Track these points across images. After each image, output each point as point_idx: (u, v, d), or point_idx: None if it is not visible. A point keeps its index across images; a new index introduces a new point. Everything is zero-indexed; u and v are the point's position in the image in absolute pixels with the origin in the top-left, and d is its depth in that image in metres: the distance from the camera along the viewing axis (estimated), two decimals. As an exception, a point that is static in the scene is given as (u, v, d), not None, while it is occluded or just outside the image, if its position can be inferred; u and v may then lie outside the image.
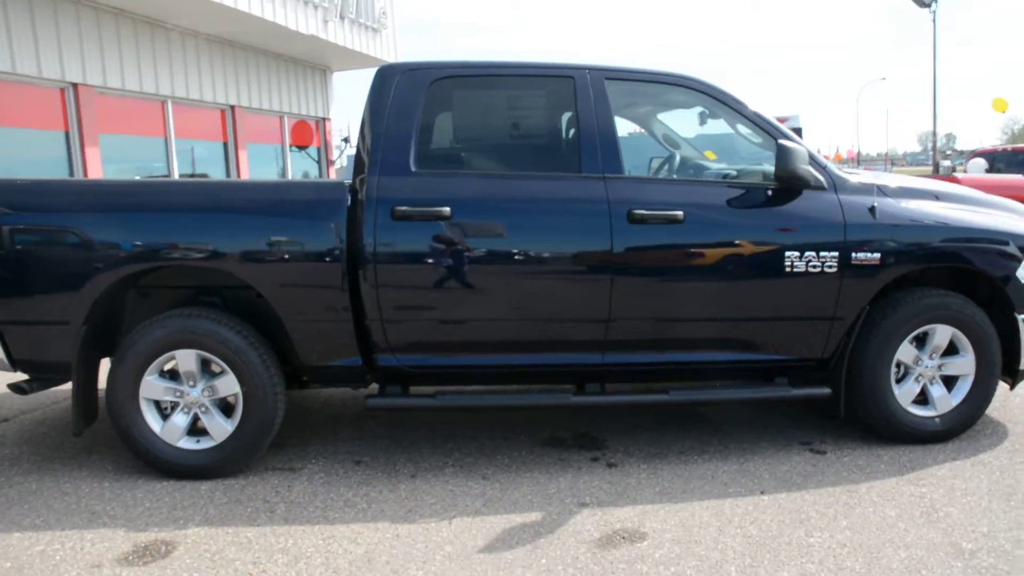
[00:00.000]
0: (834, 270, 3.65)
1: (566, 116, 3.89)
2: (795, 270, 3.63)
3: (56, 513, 3.24)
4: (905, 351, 3.81)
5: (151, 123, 11.33)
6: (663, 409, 4.42)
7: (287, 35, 12.64)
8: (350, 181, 3.65)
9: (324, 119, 16.55)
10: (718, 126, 4.16)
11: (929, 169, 35.56)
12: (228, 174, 13.05)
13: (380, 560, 2.82)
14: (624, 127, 4.69)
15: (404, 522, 3.12)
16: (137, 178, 10.39)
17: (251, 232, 3.50)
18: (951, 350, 3.88)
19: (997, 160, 13.91)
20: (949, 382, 3.91)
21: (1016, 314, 3.85)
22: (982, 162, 13.08)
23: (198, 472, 3.54)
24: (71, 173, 9.57)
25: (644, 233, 3.60)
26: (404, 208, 3.49)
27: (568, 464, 3.71)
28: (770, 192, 3.72)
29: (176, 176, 11.54)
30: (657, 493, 3.36)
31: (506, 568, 2.75)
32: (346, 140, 20.89)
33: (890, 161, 69.88)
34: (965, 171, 14.32)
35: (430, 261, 3.54)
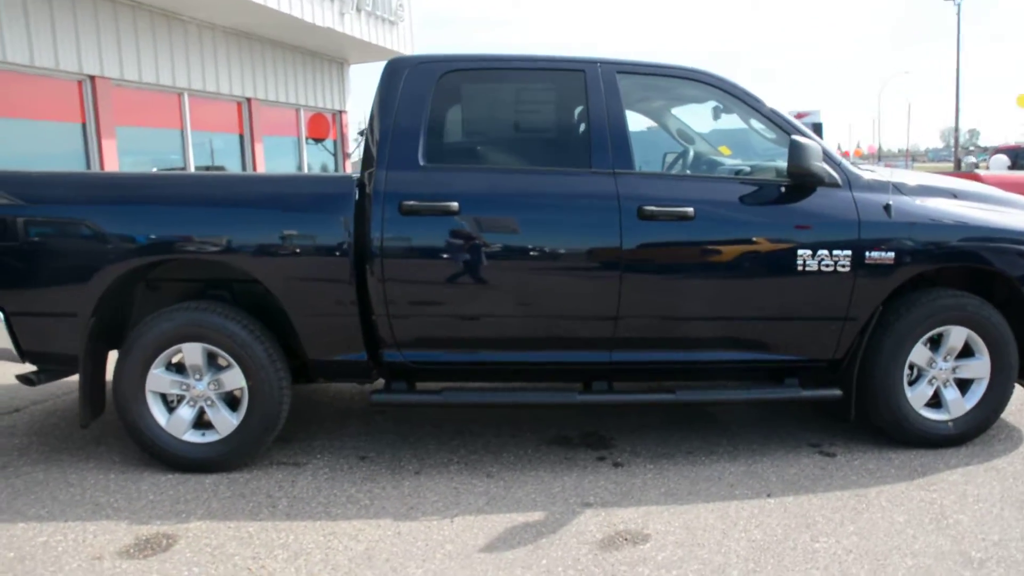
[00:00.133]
0: (847, 269, 3.58)
1: (576, 110, 3.84)
2: (807, 269, 3.57)
3: (61, 504, 3.25)
4: (919, 353, 3.74)
5: (167, 115, 11.39)
6: (672, 408, 4.38)
7: (303, 27, 12.66)
8: (358, 175, 3.63)
9: (341, 112, 16.57)
10: (734, 121, 4.10)
11: (950, 166, 35.10)
12: (244, 167, 13.10)
13: (380, 558, 2.81)
14: (641, 122, 4.65)
15: (406, 519, 3.11)
16: (155, 170, 10.46)
17: (258, 226, 3.49)
18: (966, 352, 3.81)
19: (1020, 157, 13.69)
20: (963, 385, 3.84)
21: (1034, 316, 3.77)
22: (1004, 159, 12.89)
23: (203, 465, 3.55)
24: (88, 165, 9.65)
25: (654, 229, 3.55)
26: (412, 203, 3.47)
27: (574, 463, 3.68)
28: (783, 189, 3.66)
29: (192, 168, 11.60)
30: (662, 494, 3.32)
31: (506, 568, 2.73)
32: (362, 133, 20.93)
33: (911, 157, 69.07)
34: (987, 168, 14.11)
35: (437, 256, 3.51)
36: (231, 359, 3.50)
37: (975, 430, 3.83)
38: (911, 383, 3.79)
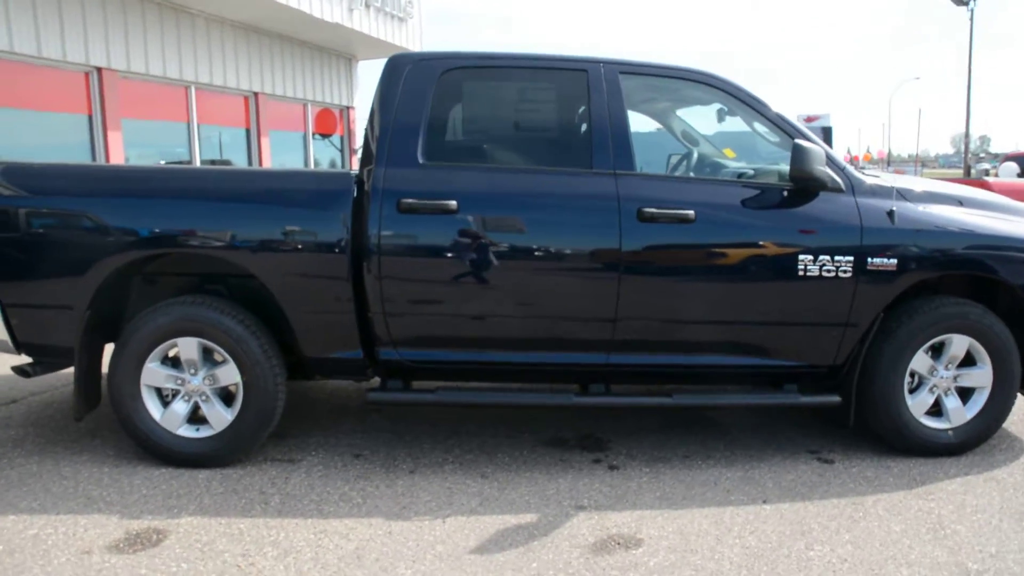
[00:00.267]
0: (849, 275, 3.55)
1: (578, 110, 3.81)
2: (808, 274, 3.54)
3: (53, 497, 3.24)
4: (920, 361, 3.71)
5: (174, 108, 11.40)
6: (670, 412, 4.35)
7: (312, 22, 12.65)
8: (357, 172, 3.61)
9: (348, 108, 16.58)
10: (738, 123, 4.07)
11: (961, 172, 34.92)
12: (250, 161, 13.11)
13: (370, 557, 2.79)
14: (646, 123, 4.62)
15: (398, 519, 3.09)
16: (163, 163, 10.47)
17: (255, 221, 3.48)
18: (968, 361, 3.77)
19: (1030, 165, 13.58)
20: (965, 394, 3.80)
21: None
22: (1014, 166, 12.79)
23: (197, 460, 3.53)
24: (93, 157, 9.66)
25: (654, 232, 3.52)
26: (410, 200, 3.45)
27: (569, 465, 3.65)
28: (785, 193, 3.62)
29: (198, 162, 11.61)
30: (657, 498, 3.30)
31: (496, 570, 2.71)
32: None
33: (921, 163, 68.73)
34: (996, 175, 14.02)
35: (435, 255, 3.49)
36: (226, 354, 3.48)
37: (975, 440, 3.80)
38: (912, 391, 3.76)
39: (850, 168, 3.75)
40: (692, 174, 4.22)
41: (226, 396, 3.59)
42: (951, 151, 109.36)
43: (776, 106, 3.81)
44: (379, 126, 3.58)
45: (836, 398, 3.71)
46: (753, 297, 3.58)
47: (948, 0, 27.39)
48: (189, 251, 3.48)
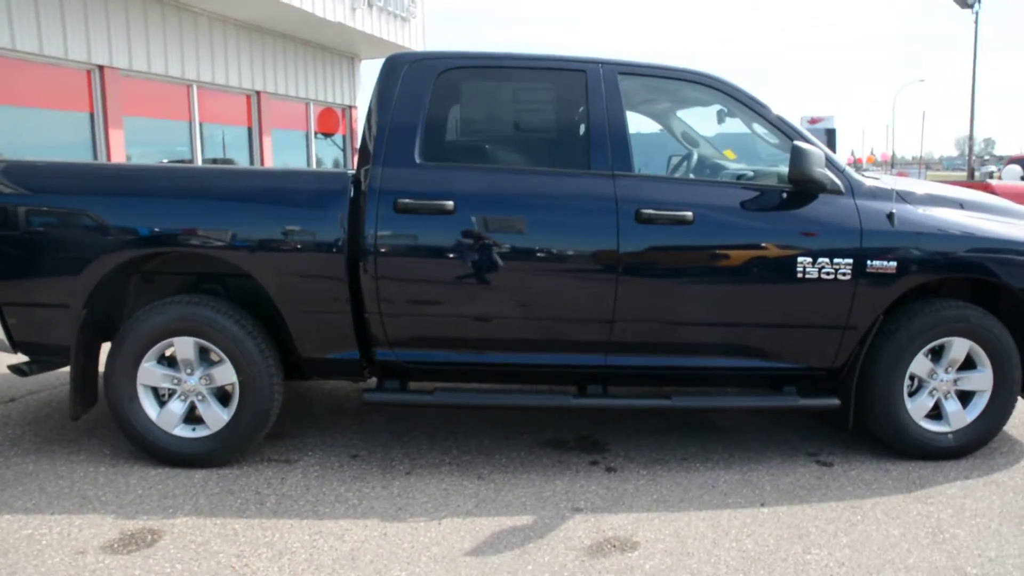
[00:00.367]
0: (848, 277, 3.53)
1: (576, 111, 3.80)
2: (807, 276, 3.52)
3: (48, 496, 3.24)
4: (920, 363, 3.69)
5: (176, 107, 11.40)
6: (669, 413, 4.33)
7: (314, 22, 12.65)
8: (353, 171, 3.60)
9: (351, 107, 16.57)
10: (739, 125, 4.05)
11: (964, 175, 34.82)
12: (252, 160, 13.11)
13: (364, 559, 2.78)
14: (647, 124, 4.60)
15: (393, 520, 3.08)
16: (165, 161, 10.47)
17: (251, 220, 3.47)
18: (968, 364, 3.75)
19: (1034, 167, 13.54)
20: (965, 397, 3.78)
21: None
22: (1017, 169, 12.76)
23: (193, 460, 3.53)
24: (95, 156, 9.67)
25: (652, 233, 3.51)
26: (407, 201, 3.43)
27: (567, 467, 3.64)
28: (784, 195, 3.61)
29: (200, 160, 11.61)
30: (654, 501, 3.28)
31: (490, 573, 2.69)
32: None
33: (925, 166, 68.57)
34: (1000, 178, 13.98)
35: (431, 255, 3.48)
36: (222, 354, 3.47)
37: (975, 443, 3.78)
38: (911, 394, 3.74)
39: (849, 170, 3.73)
40: (692, 175, 4.20)
41: (222, 396, 3.58)
42: (955, 153, 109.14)
43: (780, 108, 3.80)
44: (376, 126, 3.57)
45: (835, 401, 3.69)
46: (751, 299, 3.56)
47: (953, 3, 27.31)
48: (185, 250, 3.47)
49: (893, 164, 65.13)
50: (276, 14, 12.06)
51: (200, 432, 3.54)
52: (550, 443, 3.93)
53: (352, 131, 16.81)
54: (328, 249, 3.42)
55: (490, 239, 3.46)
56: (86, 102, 9.65)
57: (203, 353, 3.53)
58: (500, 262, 3.46)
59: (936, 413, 3.76)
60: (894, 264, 3.55)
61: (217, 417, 3.52)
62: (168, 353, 3.54)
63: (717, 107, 4.04)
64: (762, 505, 3.25)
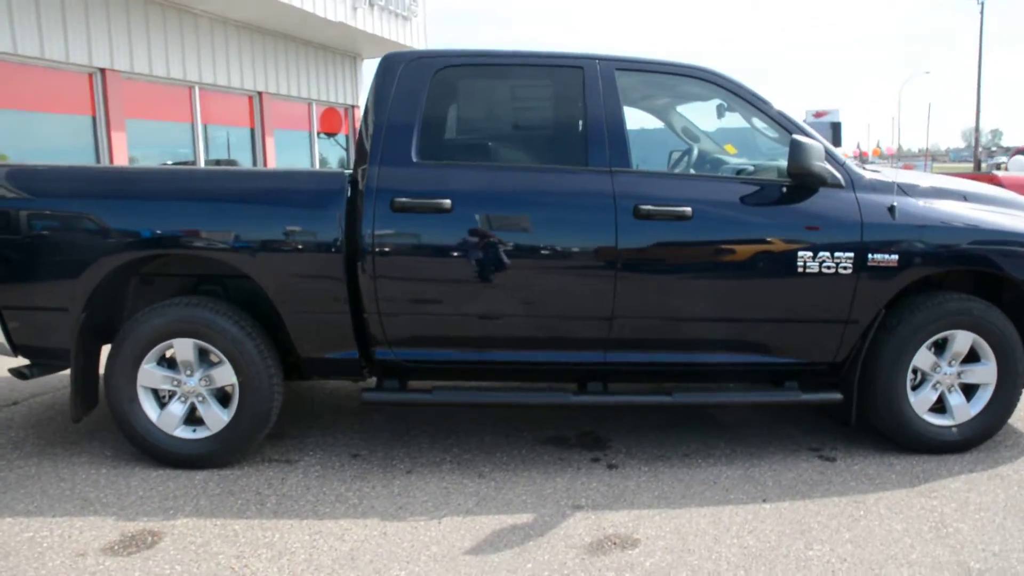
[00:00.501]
0: (849, 271, 3.50)
1: (574, 107, 3.77)
2: (808, 270, 3.50)
3: (50, 499, 3.24)
4: (923, 357, 3.66)
5: (178, 109, 11.42)
6: (672, 410, 4.31)
7: (315, 22, 12.66)
8: (350, 171, 3.60)
9: (353, 107, 16.58)
10: (740, 119, 4.03)
11: (971, 166, 34.62)
12: (255, 161, 13.13)
13: (364, 559, 2.77)
14: (648, 120, 4.58)
15: (393, 519, 3.07)
16: (169, 163, 10.50)
17: (249, 221, 3.47)
18: (972, 357, 3.72)
19: (1040, 158, 13.45)
20: (969, 391, 3.75)
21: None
22: (1023, 160, 12.67)
23: (194, 461, 3.53)
24: (98, 159, 9.69)
25: (650, 229, 3.49)
26: (404, 199, 3.43)
27: (568, 464, 3.63)
28: (784, 189, 3.58)
29: (202, 162, 11.63)
30: (655, 497, 3.27)
31: (490, 571, 2.69)
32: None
33: (931, 158, 68.22)
34: (1006, 169, 13.90)
35: (429, 254, 3.48)
36: (222, 355, 3.47)
37: (980, 436, 3.75)
38: (915, 388, 3.71)
39: (850, 163, 3.71)
40: (692, 171, 4.18)
41: (222, 397, 3.58)
42: (963, 145, 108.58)
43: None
44: (373, 125, 3.57)
45: (837, 395, 3.67)
46: (752, 294, 3.54)
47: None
48: (184, 252, 3.47)
49: (899, 157, 64.83)
50: (277, 14, 12.07)
51: (200, 433, 3.54)
52: (551, 440, 3.92)
53: (355, 131, 16.81)
54: (326, 249, 3.42)
55: (488, 237, 3.45)
56: (88, 105, 9.68)
57: (203, 354, 3.53)
58: (498, 260, 3.44)
59: (940, 407, 3.74)
60: (896, 257, 3.52)
61: (217, 418, 3.52)
62: (168, 355, 3.54)
63: (716, 102, 4.02)
64: (764, 501, 3.23)
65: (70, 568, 2.70)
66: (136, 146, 10.28)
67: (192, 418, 3.57)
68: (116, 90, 9.89)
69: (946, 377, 3.71)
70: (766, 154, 4.06)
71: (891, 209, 3.56)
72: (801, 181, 3.53)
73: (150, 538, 2.91)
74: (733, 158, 4.30)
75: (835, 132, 22.51)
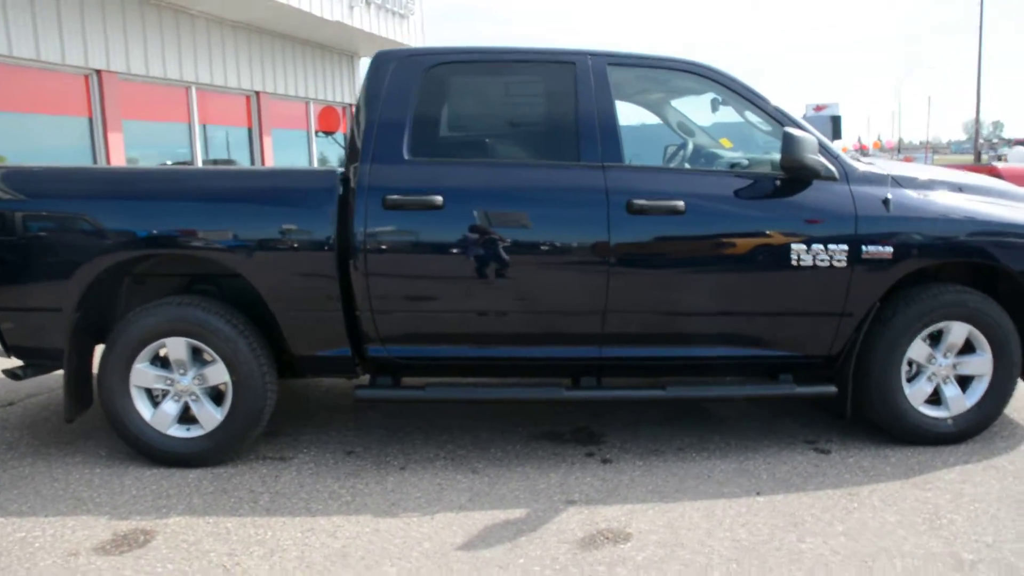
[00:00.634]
0: (843, 264, 3.49)
1: (566, 103, 3.76)
2: (802, 263, 3.49)
3: (43, 499, 3.24)
4: (918, 349, 3.65)
5: (175, 109, 11.41)
6: (666, 404, 4.30)
7: (312, 21, 12.64)
8: (342, 169, 3.59)
9: (351, 105, 16.56)
10: (735, 113, 4.02)
11: (971, 158, 34.53)
12: (252, 160, 13.13)
13: (355, 556, 2.77)
14: (644, 115, 4.57)
15: (386, 516, 3.07)
16: (169, 163, 10.49)
17: (240, 220, 3.47)
18: (967, 348, 3.71)
19: (1040, 149, 13.42)
20: (964, 382, 3.74)
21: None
22: (1023, 150, 12.64)
23: (187, 460, 3.53)
24: (95, 160, 9.69)
25: (643, 224, 3.48)
26: (396, 197, 3.42)
27: (562, 459, 3.62)
28: (778, 182, 3.57)
29: (200, 162, 11.63)
30: (649, 492, 3.26)
31: (481, 567, 2.68)
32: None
33: (933, 150, 68.06)
34: (1006, 160, 13.86)
35: (421, 251, 3.47)
36: (215, 354, 3.47)
37: (975, 428, 3.74)
38: (910, 379, 3.71)
39: (844, 156, 3.69)
40: (687, 165, 4.17)
41: (216, 396, 3.57)
42: (964, 137, 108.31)
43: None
44: (364, 122, 3.56)
45: (832, 388, 3.66)
46: (746, 287, 3.54)
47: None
48: (176, 251, 3.47)
49: (900, 149, 64.71)
50: (274, 14, 12.06)
51: (194, 432, 3.54)
52: (546, 436, 3.92)
53: (353, 129, 16.80)
54: (318, 247, 3.41)
55: (480, 233, 3.44)
56: (85, 107, 9.67)
57: (196, 353, 3.53)
58: (490, 256, 3.44)
59: (935, 398, 3.73)
60: (890, 249, 3.51)
61: (211, 417, 3.52)
62: (161, 354, 3.54)
63: (711, 96, 4.00)
64: (758, 494, 3.23)
65: (61, 568, 2.70)
66: (134, 147, 10.28)
67: (186, 417, 3.57)
68: (112, 91, 9.88)
69: (941, 369, 3.70)
70: (761, 148, 4.05)
71: (885, 201, 3.55)
72: (794, 174, 3.52)
73: (142, 537, 2.91)
74: (728, 152, 4.29)
75: (835, 125, 22.47)
